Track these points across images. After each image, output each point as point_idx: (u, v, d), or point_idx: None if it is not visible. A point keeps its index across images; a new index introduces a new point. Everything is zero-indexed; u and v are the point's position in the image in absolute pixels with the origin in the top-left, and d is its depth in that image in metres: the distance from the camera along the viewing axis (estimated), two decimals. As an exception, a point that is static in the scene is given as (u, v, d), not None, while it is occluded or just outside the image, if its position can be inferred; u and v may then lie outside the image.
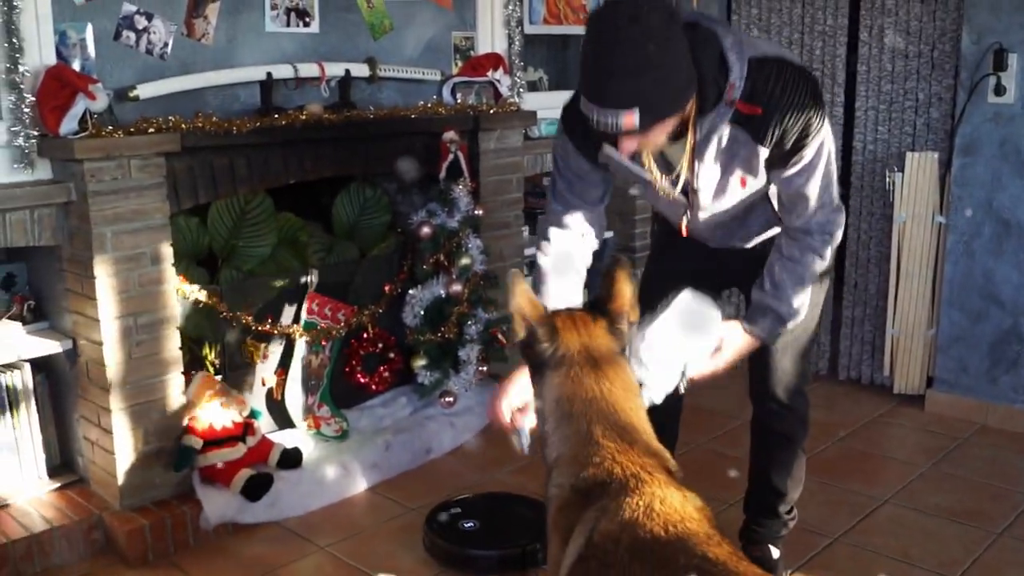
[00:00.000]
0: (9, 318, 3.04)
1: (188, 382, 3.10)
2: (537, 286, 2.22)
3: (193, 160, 3.04)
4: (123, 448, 2.95)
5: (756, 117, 1.99)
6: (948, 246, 3.88)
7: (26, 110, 2.79)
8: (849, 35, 4.16)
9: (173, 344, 3.02)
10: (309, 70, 3.42)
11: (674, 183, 2.14)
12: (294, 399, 3.48)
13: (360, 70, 3.57)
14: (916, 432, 3.85)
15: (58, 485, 3.11)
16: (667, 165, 2.14)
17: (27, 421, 3.04)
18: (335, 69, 3.49)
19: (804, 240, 2.17)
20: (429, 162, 3.70)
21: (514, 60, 4.11)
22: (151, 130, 2.88)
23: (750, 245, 2.40)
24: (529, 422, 2.00)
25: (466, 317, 3.72)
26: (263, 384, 3.44)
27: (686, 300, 2.10)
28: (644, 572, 1.44)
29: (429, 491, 3.30)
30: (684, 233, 2.33)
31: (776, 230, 2.31)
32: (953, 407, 3.95)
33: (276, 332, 3.37)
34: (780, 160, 2.07)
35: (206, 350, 3.26)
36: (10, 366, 3.00)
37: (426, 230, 3.62)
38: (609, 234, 4.44)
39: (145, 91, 3.02)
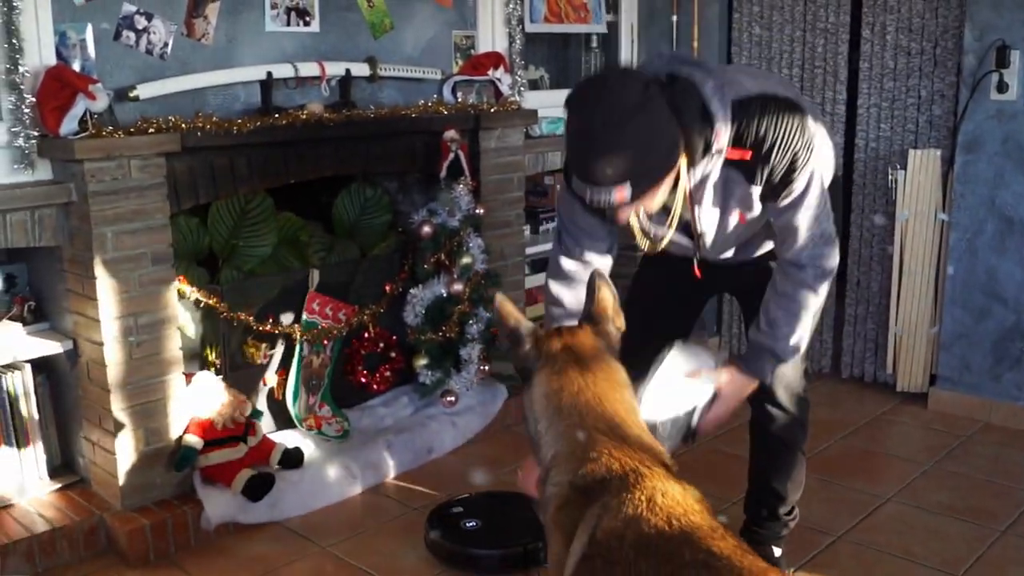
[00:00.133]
0: (10, 319, 3.04)
1: (189, 382, 3.10)
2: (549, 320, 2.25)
3: (193, 160, 3.04)
4: (124, 448, 2.95)
5: (745, 160, 2.00)
6: (951, 243, 3.87)
7: (26, 111, 2.78)
8: (851, 32, 4.15)
9: (174, 344, 3.02)
10: (309, 69, 3.42)
11: (680, 230, 2.14)
12: (295, 399, 3.47)
13: (360, 69, 3.57)
14: (919, 430, 3.84)
15: (59, 486, 3.11)
16: (667, 214, 2.12)
17: (28, 422, 3.03)
18: (335, 68, 3.49)
19: (796, 275, 2.15)
20: (430, 161, 3.70)
21: (515, 59, 4.10)
22: (151, 130, 2.88)
23: (756, 255, 2.39)
24: None
25: (467, 316, 3.72)
26: (264, 384, 3.44)
27: (676, 354, 2.12)
28: (650, 568, 1.44)
29: (431, 491, 3.30)
30: (698, 275, 2.28)
31: None
32: (956, 405, 3.94)
33: (277, 332, 3.37)
34: (771, 193, 2.08)
35: (207, 350, 3.26)
36: (11, 367, 3.00)
37: (427, 229, 3.62)
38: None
39: (145, 91, 3.01)
